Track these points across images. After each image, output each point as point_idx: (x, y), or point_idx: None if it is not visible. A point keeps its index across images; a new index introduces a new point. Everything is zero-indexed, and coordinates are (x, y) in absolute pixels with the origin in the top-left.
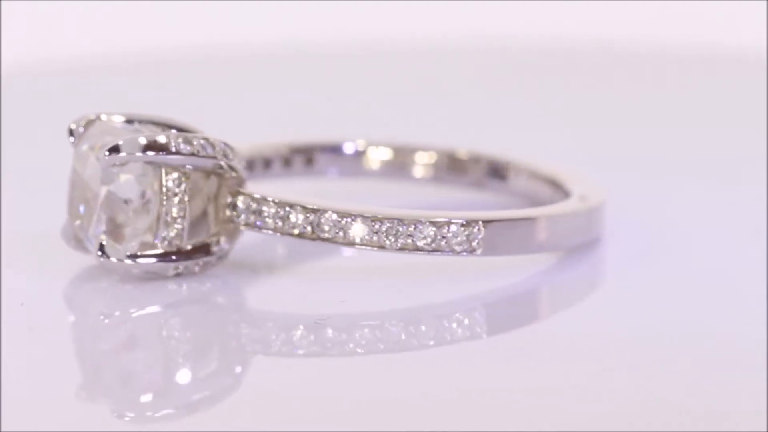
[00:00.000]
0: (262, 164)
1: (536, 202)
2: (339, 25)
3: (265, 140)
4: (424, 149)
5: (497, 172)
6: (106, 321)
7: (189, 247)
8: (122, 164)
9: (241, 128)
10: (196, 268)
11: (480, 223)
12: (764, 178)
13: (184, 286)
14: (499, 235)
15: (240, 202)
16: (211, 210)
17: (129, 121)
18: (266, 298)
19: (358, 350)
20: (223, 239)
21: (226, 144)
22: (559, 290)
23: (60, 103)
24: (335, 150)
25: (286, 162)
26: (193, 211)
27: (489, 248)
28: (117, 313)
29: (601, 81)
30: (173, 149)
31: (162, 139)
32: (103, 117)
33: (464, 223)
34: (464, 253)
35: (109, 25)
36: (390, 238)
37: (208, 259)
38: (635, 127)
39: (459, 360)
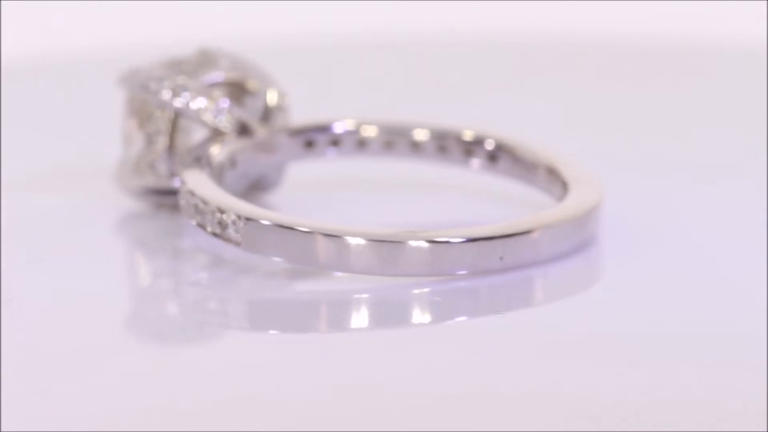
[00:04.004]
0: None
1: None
2: (347, 19)
3: None
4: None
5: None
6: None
7: (167, 183)
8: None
9: None
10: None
11: (242, 219)
12: (764, 176)
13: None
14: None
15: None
16: None
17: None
18: None
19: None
20: None
21: (210, 105)
22: (554, 285)
23: (64, 96)
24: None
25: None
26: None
27: (251, 246)
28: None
29: (599, 77)
30: (150, 89)
31: (162, 80)
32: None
33: (236, 215)
34: (232, 244)
35: (114, 20)
36: (196, 215)
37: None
38: (632, 124)
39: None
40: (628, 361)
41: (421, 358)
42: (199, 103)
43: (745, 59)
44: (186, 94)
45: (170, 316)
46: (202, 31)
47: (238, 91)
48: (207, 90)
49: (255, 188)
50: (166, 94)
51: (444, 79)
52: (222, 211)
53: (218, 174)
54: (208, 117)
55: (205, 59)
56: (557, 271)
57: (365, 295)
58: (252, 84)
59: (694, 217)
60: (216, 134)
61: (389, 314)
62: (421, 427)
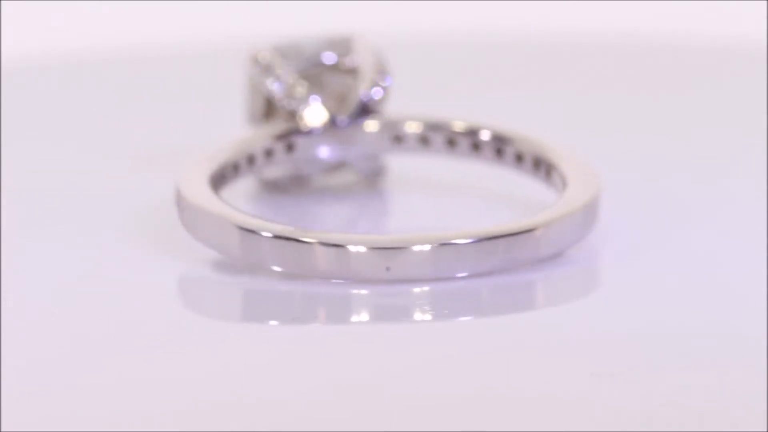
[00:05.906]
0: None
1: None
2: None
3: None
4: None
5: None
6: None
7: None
8: None
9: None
10: None
11: (182, 201)
12: (764, 176)
13: None
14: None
15: None
16: None
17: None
18: None
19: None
20: None
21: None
22: (553, 286)
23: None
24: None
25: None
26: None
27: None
28: None
29: (599, 76)
30: (254, 66)
31: (257, 59)
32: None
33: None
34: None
35: (116, 19)
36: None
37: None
38: (632, 124)
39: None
40: (628, 363)
41: (420, 359)
42: (282, 89)
43: (745, 59)
44: (275, 80)
45: (170, 315)
46: (203, 31)
47: (349, 79)
48: (300, 77)
49: (362, 179)
50: (258, 77)
51: (443, 78)
52: (178, 194)
53: (250, 156)
54: (289, 104)
55: (324, 45)
56: (557, 272)
57: (365, 292)
58: (360, 76)
59: (694, 217)
60: (295, 119)
61: (389, 313)
62: (420, 428)
